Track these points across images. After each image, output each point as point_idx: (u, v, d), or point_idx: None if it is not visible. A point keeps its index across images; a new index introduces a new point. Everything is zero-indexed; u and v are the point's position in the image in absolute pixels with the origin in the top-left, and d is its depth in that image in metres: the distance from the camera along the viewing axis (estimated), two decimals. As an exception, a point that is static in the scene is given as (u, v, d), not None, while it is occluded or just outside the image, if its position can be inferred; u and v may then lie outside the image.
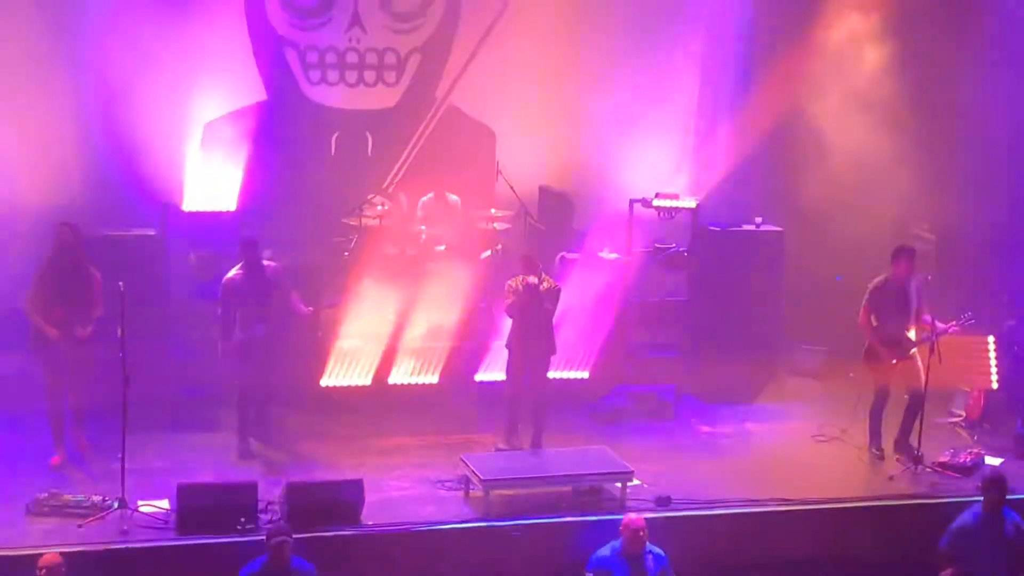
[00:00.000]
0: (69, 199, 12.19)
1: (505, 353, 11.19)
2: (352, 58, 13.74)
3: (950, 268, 13.08)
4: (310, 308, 10.99)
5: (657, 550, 8.95)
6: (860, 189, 13.28)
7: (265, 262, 10.87)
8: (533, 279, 10.92)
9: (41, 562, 8.11)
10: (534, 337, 10.99)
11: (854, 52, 13.66)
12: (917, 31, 13.44)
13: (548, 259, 12.22)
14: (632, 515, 9.10)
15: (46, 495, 9.54)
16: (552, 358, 11.22)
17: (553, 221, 13.51)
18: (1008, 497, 9.36)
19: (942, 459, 11.04)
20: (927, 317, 11.09)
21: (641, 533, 8.84)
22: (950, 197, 13.32)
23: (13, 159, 12.41)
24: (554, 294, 11.06)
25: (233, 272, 10.82)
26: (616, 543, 8.94)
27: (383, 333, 11.96)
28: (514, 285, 11.01)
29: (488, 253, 12.90)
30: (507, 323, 11.20)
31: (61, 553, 8.35)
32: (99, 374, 10.16)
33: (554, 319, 11.17)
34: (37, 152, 12.46)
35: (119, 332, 9.63)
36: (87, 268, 10.41)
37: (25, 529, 9.23)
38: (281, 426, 11.19)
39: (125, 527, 9.30)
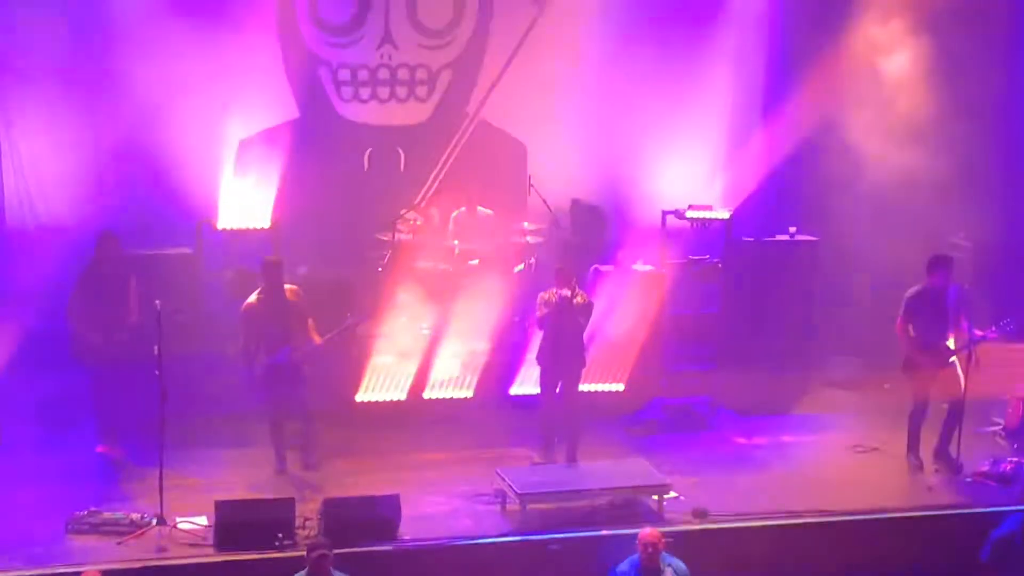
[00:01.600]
0: (106, 218, 12.28)
1: (537, 367, 11.18)
2: (384, 75, 13.80)
3: (987, 276, 12.97)
4: (319, 341, 10.82)
5: (678, 563, 8.89)
6: (895, 198, 13.21)
7: (286, 286, 10.83)
8: (566, 292, 10.91)
9: (81, 579, 8.16)
10: (566, 350, 10.97)
11: (888, 59, 13.60)
12: (951, 38, 13.37)
13: (581, 272, 12.20)
14: (647, 529, 9.02)
15: (85, 513, 9.61)
16: (583, 371, 11.19)
17: (586, 234, 13.51)
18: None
19: (982, 468, 10.95)
20: (965, 325, 11.01)
21: (651, 549, 8.77)
22: (986, 204, 13.24)
23: (51, 180, 12.56)
24: (587, 308, 11.04)
25: (253, 298, 10.76)
26: (635, 557, 8.90)
27: (418, 348, 11.98)
28: (547, 297, 11.01)
29: (521, 267, 12.91)
30: (538, 336, 11.19)
31: (101, 571, 8.39)
32: (136, 391, 10.24)
33: (585, 334, 11.15)
34: (74, 172, 12.61)
35: (155, 349, 9.71)
36: (125, 275, 10.71)
37: (64, 547, 9.29)
38: (319, 445, 11.20)
39: (163, 544, 9.34)
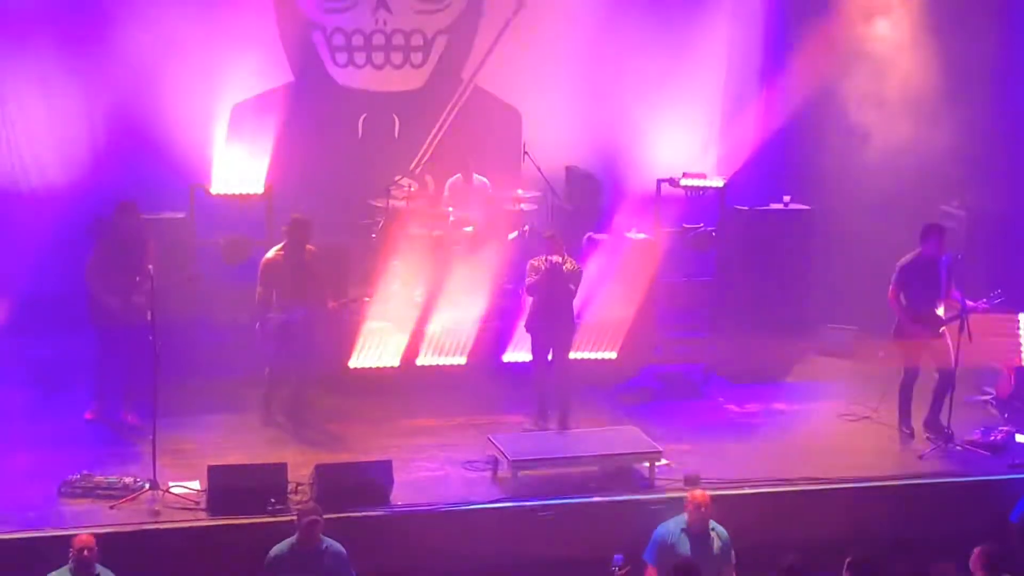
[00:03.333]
0: (98, 183, 12.33)
1: (528, 335, 11.19)
2: (379, 40, 13.74)
3: (980, 245, 12.98)
4: (334, 304, 10.98)
5: (721, 529, 8.92)
6: (888, 166, 13.20)
7: (308, 246, 10.90)
8: (557, 258, 10.91)
9: (75, 543, 8.18)
10: (556, 317, 10.99)
11: (884, 28, 13.55)
12: (947, 7, 13.32)
13: (575, 239, 12.21)
14: (698, 491, 9.05)
15: (78, 477, 9.62)
16: (574, 337, 11.20)
17: (580, 201, 13.49)
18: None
19: (972, 437, 10.99)
20: (956, 295, 11.03)
21: (703, 509, 8.81)
22: (981, 173, 13.22)
23: (44, 144, 12.52)
24: (576, 275, 11.06)
25: (273, 252, 10.90)
26: (681, 518, 8.91)
27: (411, 314, 11.99)
28: (537, 264, 11.01)
29: (515, 234, 12.89)
30: (528, 303, 11.20)
31: (94, 535, 8.41)
32: (143, 355, 10.22)
33: (576, 300, 11.16)
34: (67, 136, 12.58)
35: (148, 315, 9.72)
36: (145, 241, 10.77)
37: (57, 511, 9.31)
38: (310, 407, 11.24)
39: (156, 508, 9.37)
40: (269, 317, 10.83)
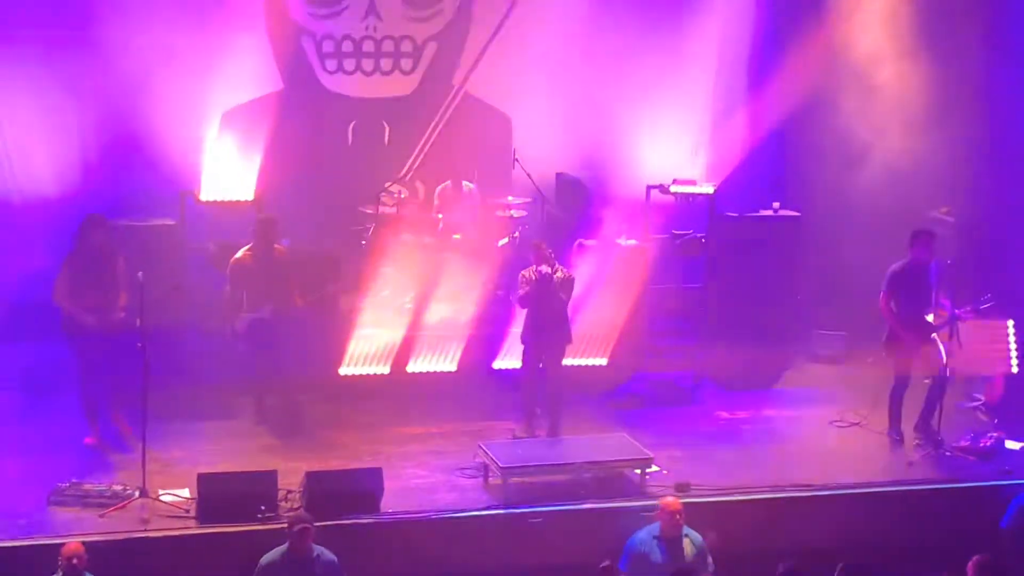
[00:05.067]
0: (88, 189, 12.30)
1: (522, 344, 11.19)
2: (368, 46, 13.73)
3: (970, 251, 13.00)
4: (301, 301, 10.96)
5: (695, 534, 8.95)
6: (878, 173, 13.22)
7: (276, 245, 10.93)
8: (546, 269, 10.90)
9: (64, 551, 8.15)
10: (549, 327, 10.97)
11: (872, 36, 13.58)
12: (935, 15, 13.36)
13: (565, 246, 12.21)
14: (670, 498, 9.12)
15: (67, 484, 9.60)
16: (568, 347, 11.21)
17: (570, 208, 13.50)
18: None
19: (962, 443, 11.01)
20: (946, 302, 11.05)
21: (677, 516, 8.85)
22: (971, 180, 13.25)
23: (32, 149, 12.48)
24: (568, 284, 11.03)
25: (241, 253, 10.97)
26: (654, 526, 8.94)
27: (401, 321, 11.98)
28: (527, 275, 11.00)
29: (505, 240, 12.90)
30: (522, 314, 11.19)
31: (83, 543, 8.39)
32: (124, 366, 10.20)
33: (568, 308, 11.16)
34: (56, 142, 12.53)
35: (137, 322, 9.70)
36: (115, 255, 10.55)
37: (46, 518, 9.29)
38: (300, 415, 11.21)
39: (146, 516, 9.34)
40: (240, 318, 10.87)
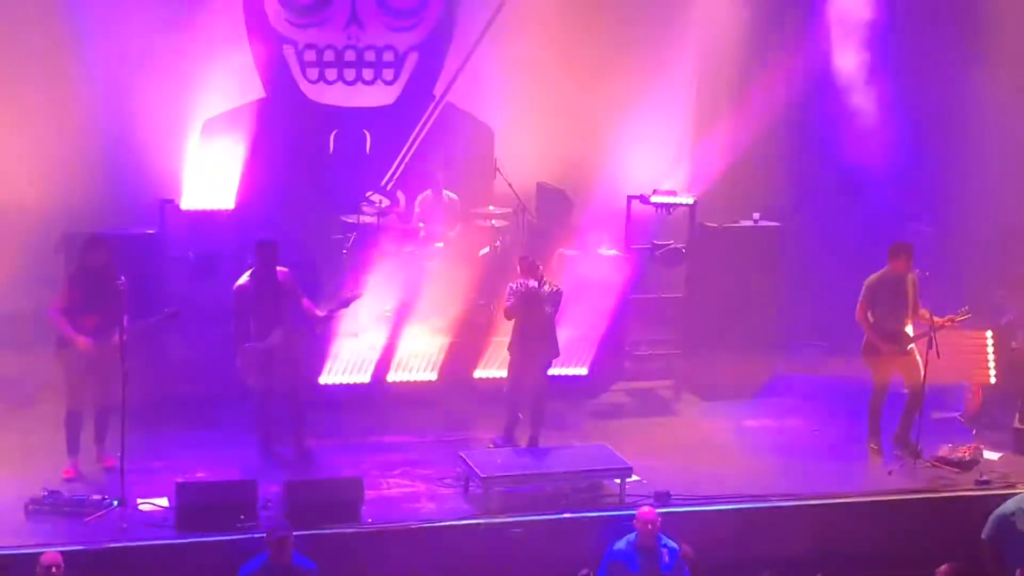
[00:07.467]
0: (68, 197, 12.25)
1: (506, 354, 11.19)
2: (350, 56, 13.74)
3: (948, 262, 13.07)
4: (322, 313, 10.65)
5: (672, 544, 9.00)
6: (858, 184, 13.29)
7: (277, 268, 10.59)
8: (533, 283, 10.88)
9: (42, 560, 8.11)
10: (535, 340, 10.93)
11: (851, 49, 13.66)
12: (917, 26, 13.45)
13: (546, 256, 12.22)
14: (645, 508, 9.17)
15: (45, 494, 9.53)
16: (554, 360, 11.19)
17: (551, 218, 13.52)
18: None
19: (940, 454, 11.05)
20: (924, 312, 11.10)
21: (651, 526, 8.92)
22: (949, 190, 13.33)
23: (12, 156, 12.43)
24: (555, 297, 10.96)
25: (244, 279, 10.56)
26: (632, 536, 9.00)
27: (382, 330, 11.96)
28: (515, 288, 10.99)
29: (486, 250, 12.91)
30: (505, 324, 11.19)
31: (61, 552, 8.35)
32: (111, 378, 9.98)
33: (555, 321, 11.14)
34: (36, 150, 12.49)
35: (117, 331, 9.65)
36: (116, 278, 9.98)
37: (24, 528, 9.22)
38: (278, 424, 11.16)
39: (124, 525, 9.29)
40: (249, 347, 10.49)
